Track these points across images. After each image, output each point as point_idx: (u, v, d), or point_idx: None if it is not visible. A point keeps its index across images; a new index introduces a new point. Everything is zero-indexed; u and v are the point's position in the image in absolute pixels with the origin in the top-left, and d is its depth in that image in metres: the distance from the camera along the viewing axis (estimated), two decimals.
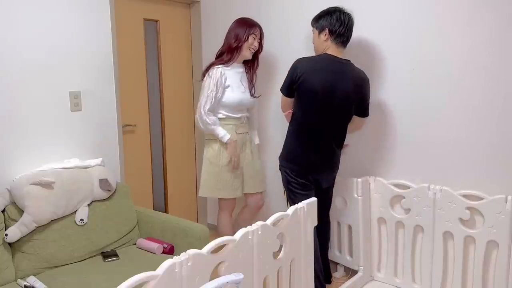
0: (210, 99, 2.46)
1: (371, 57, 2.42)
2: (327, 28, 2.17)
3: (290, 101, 2.28)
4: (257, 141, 2.81)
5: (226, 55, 2.53)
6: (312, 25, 2.28)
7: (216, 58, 2.58)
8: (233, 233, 1.64)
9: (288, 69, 2.24)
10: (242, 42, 2.49)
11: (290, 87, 2.22)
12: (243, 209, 2.81)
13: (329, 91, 2.14)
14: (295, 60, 2.23)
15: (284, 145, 2.33)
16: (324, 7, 2.25)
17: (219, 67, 2.50)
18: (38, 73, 2.27)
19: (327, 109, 2.17)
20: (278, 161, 2.38)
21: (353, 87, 2.19)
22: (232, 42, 2.51)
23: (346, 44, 2.23)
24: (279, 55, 2.78)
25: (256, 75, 2.67)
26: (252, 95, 2.62)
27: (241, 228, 2.82)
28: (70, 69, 2.41)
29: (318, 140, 2.22)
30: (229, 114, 2.54)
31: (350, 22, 2.19)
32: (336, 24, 2.15)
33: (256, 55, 2.61)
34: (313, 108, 2.17)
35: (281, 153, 2.35)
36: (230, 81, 2.52)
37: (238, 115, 2.57)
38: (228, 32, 2.57)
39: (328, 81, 2.14)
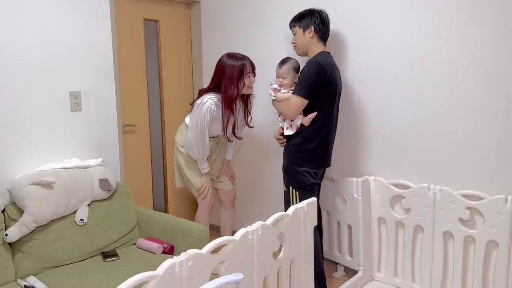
0: (203, 130, 2.45)
1: (372, 57, 2.42)
2: (312, 26, 2.25)
3: (305, 104, 2.21)
4: (229, 157, 2.81)
5: (225, 101, 2.42)
6: (294, 25, 2.32)
7: (212, 89, 2.47)
8: None
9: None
10: (240, 90, 2.42)
11: (315, 89, 2.17)
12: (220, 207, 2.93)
13: (339, 84, 2.30)
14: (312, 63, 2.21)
15: (301, 147, 2.26)
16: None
17: (213, 101, 2.42)
18: (38, 73, 2.27)
19: (337, 101, 2.31)
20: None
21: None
22: (229, 91, 2.39)
23: (326, 43, 2.35)
24: (281, 57, 2.77)
25: (251, 103, 2.64)
26: (247, 124, 2.65)
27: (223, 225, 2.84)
28: (70, 69, 2.41)
29: (332, 132, 2.33)
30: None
31: (329, 21, 2.32)
32: (320, 23, 2.26)
33: None
34: (333, 104, 2.27)
35: (295, 156, 2.28)
36: (219, 114, 2.47)
37: (215, 136, 2.65)
38: (222, 77, 2.42)
39: (338, 75, 2.28)
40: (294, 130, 2.30)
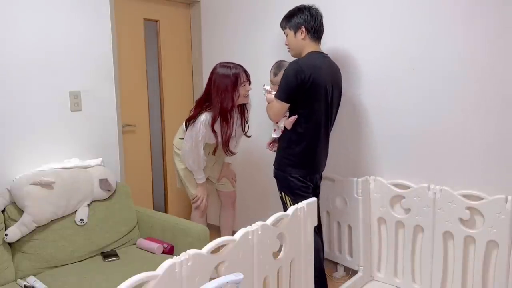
0: (198, 143, 2.42)
1: (372, 57, 2.42)
2: (303, 26, 2.16)
3: (286, 107, 2.15)
4: (229, 160, 2.77)
5: (220, 113, 2.37)
6: (284, 26, 2.24)
7: (204, 104, 2.42)
8: None
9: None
10: (235, 101, 2.39)
11: (295, 92, 2.09)
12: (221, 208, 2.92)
13: (330, 86, 2.17)
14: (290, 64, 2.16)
15: (286, 152, 2.21)
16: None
17: (209, 113, 2.39)
18: (38, 73, 2.27)
19: (328, 105, 2.19)
20: (273, 161, 2.34)
21: (341, 79, 2.31)
22: (224, 103, 2.35)
23: (320, 40, 2.25)
24: (280, 57, 2.77)
25: (248, 112, 2.60)
26: (244, 133, 2.61)
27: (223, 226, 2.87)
28: (70, 69, 2.41)
29: (321, 137, 2.21)
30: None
31: (321, 16, 2.21)
32: (311, 20, 2.16)
33: None
34: (319, 107, 2.15)
35: (282, 161, 2.23)
36: (217, 128, 2.43)
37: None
38: (214, 89, 2.37)
39: (328, 77, 2.15)
40: (279, 134, 2.26)
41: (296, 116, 2.16)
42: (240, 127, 2.59)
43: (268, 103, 2.26)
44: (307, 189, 2.23)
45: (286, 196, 2.25)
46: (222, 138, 2.47)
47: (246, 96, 2.45)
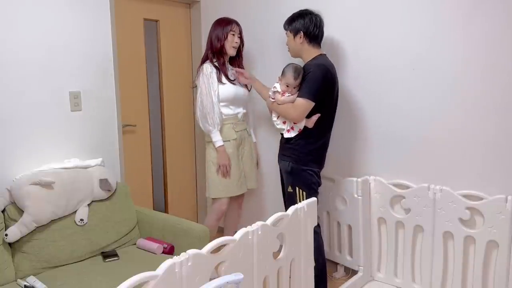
0: (210, 95, 2.53)
1: (372, 57, 2.42)
2: (301, 32, 2.26)
3: (312, 107, 2.20)
4: (254, 139, 2.87)
5: (214, 57, 2.60)
6: (286, 28, 2.34)
7: (202, 62, 2.63)
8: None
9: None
10: (223, 41, 2.57)
11: (324, 92, 2.20)
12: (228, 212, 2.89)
13: (338, 86, 2.32)
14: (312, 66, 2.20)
15: (306, 148, 2.27)
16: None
17: (208, 64, 2.57)
18: (38, 73, 2.27)
19: (336, 103, 2.33)
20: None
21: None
22: (215, 44, 2.58)
23: (320, 44, 2.34)
24: (280, 57, 2.77)
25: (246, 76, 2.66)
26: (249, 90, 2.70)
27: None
28: (70, 69, 2.41)
29: (330, 134, 2.36)
30: (227, 112, 2.60)
31: (322, 23, 2.30)
32: (310, 26, 2.25)
33: (239, 51, 2.67)
34: (333, 106, 2.31)
35: (301, 155, 2.27)
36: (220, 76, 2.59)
37: (235, 111, 2.64)
38: (209, 37, 2.64)
39: (337, 77, 2.29)
40: (296, 133, 2.27)
41: (319, 115, 2.24)
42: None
43: (279, 104, 2.27)
44: (319, 185, 2.34)
45: (300, 191, 2.28)
46: (219, 64, 2.59)
47: (234, 47, 2.60)
